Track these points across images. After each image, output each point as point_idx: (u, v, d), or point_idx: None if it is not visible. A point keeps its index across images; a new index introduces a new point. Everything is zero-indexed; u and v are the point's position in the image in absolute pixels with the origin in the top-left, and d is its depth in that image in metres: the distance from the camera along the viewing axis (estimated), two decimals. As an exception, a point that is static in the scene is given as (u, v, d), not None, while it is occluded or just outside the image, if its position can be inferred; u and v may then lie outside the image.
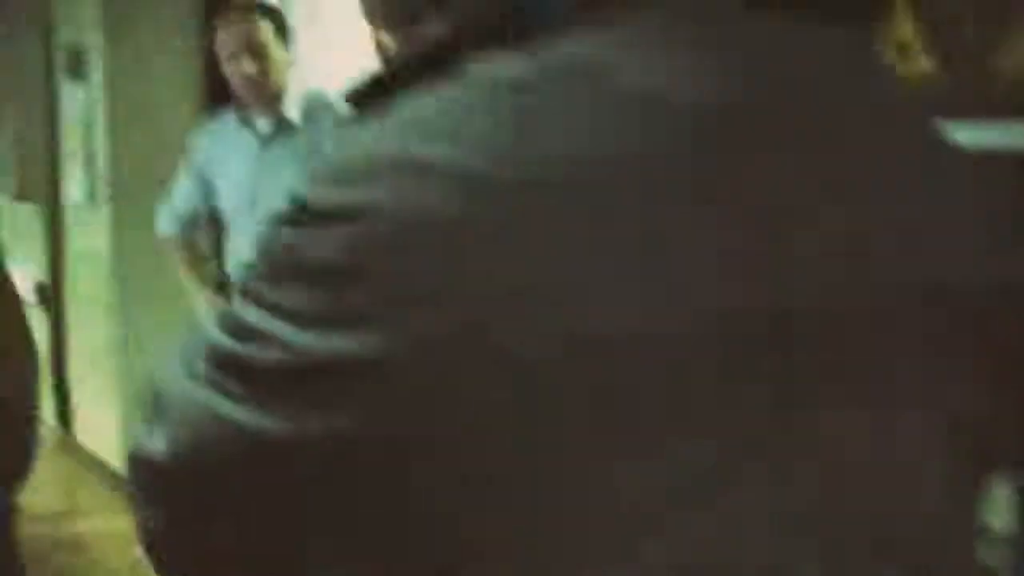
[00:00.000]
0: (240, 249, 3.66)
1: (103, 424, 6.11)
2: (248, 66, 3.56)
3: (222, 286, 3.93)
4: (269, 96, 3.62)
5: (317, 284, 0.66)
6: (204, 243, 4.08)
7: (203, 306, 3.85)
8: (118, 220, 5.75)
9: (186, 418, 0.71)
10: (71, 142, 6.29)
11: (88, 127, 5.98)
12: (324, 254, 0.66)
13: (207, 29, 5.35)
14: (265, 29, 3.60)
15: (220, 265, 3.93)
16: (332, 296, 0.65)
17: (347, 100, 0.78)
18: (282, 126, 3.63)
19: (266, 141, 3.63)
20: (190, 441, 0.70)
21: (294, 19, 3.95)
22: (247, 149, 3.68)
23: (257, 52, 3.57)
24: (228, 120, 3.79)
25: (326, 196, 0.67)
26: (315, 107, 3.64)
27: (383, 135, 0.68)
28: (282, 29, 3.66)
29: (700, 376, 0.64)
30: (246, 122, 3.64)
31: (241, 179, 3.68)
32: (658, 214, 0.65)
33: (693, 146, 0.67)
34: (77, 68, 6.07)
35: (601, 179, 0.65)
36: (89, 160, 6.03)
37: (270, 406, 0.66)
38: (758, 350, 0.65)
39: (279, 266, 0.69)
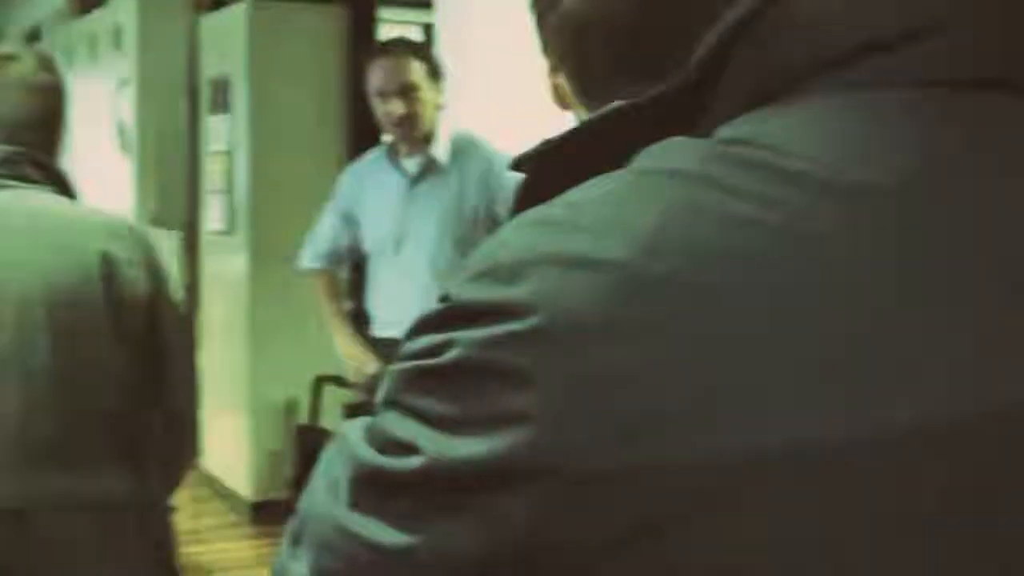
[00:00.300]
0: (381, 289, 3.62)
1: (231, 452, 6.17)
2: (398, 107, 3.52)
3: (360, 325, 3.88)
4: (418, 137, 3.58)
5: (470, 387, 0.62)
6: (344, 280, 4.10)
7: (342, 343, 3.79)
8: (255, 249, 5.84)
9: (328, 542, 0.67)
10: (212, 171, 6.40)
11: (229, 157, 6.11)
12: (477, 355, 0.62)
13: (352, 63, 5.76)
14: (417, 69, 3.56)
15: (360, 303, 3.91)
16: (485, 400, 0.61)
17: (513, 167, 0.74)
18: (429, 167, 3.58)
19: (413, 182, 3.60)
20: (333, 568, 0.66)
21: (443, 58, 3.94)
22: (393, 189, 3.64)
23: (408, 93, 3.53)
24: (376, 159, 3.75)
25: (476, 293, 0.64)
26: (463, 148, 3.60)
27: (539, 225, 0.64)
28: (435, 70, 3.61)
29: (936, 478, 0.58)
30: (393, 162, 3.61)
31: (386, 219, 3.64)
32: (864, 313, 0.58)
33: (898, 237, 0.60)
34: (220, 99, 6.20)
35: (784, 279, 0.58)
36: (228, 189, 6.15)
37: (422, 522, 0.62)
38: (989, 453, 0.58)
39: (426, 370, 0.64)
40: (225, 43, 6.19)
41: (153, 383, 2.40)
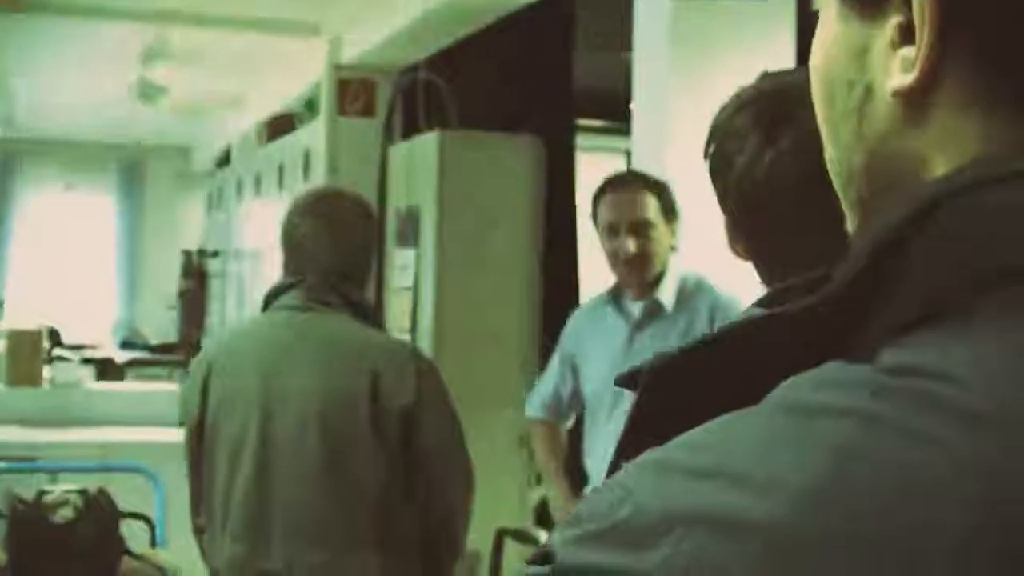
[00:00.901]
0: (598, 444, 3.51)
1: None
2: (629, 245, 3.38)
3: (576, 482, 3.79)
4: (648, 279, 3.44)
5: None
6: (565, 432, 3.98)
7: (558, 502, 3.74)
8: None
9: None
10: (397, 308, 6.33)
11: (414, 293, 6.06)
12: None
13: (546, 197, 5.73)
14: (652, 205, 3.42)
15: (578, 458, 3.77)
16: None
17: (623, 383, 0.71)
18: (654, 311, 3.44)
19: (636, 328, 3.46)
20: None
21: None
22: (616, 335, 3.52)
23: (641, 231, 3.39)
24: (600, 301, 3.63)
25: (591, 557, 0.59)
26: (691, 291, 3.45)
27: (673, 473, 0.59)
28: (670, 208, 3.46)
29: None
30: (617, 305, 3.48)
31: (605, 368, 3.51)
32: None
33: None
34: (408, 231, 6.21)
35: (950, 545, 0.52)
36: (413, 327, 6.07)
37: None
38: None
39: None
40: (415, 173, 6.22)
41: (407, 483, 2.83)
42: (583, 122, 6.53)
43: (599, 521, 0.59)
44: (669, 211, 3.42)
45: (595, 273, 9.01)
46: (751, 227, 1.31)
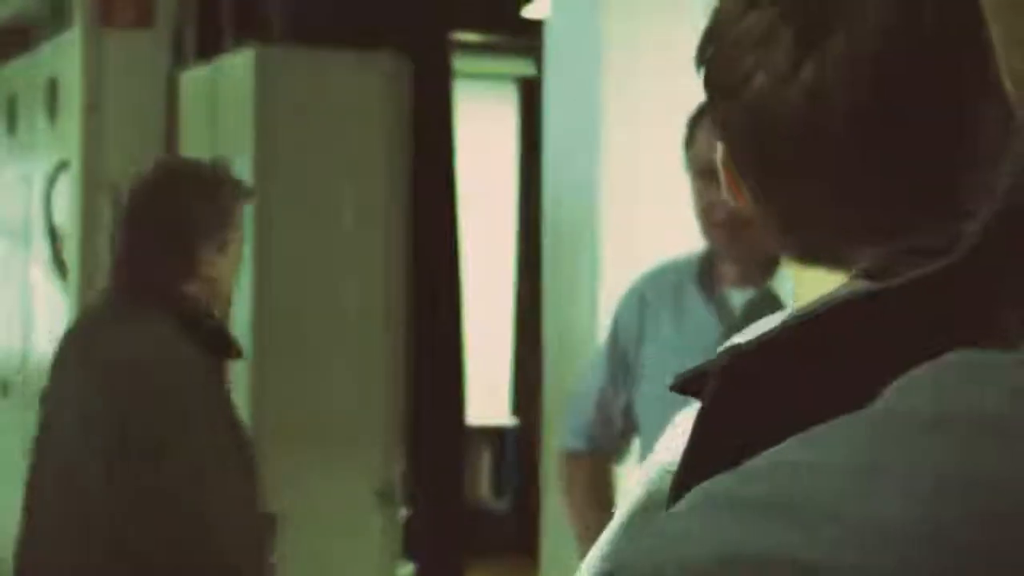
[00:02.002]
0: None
1: None
2: (729, 200, 2.64)
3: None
4: (758, 256, 3.10)
5: None
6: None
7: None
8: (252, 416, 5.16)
9: None
10: None
11: None
12: None
13: (416, 136, 5.47)
14: None
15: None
16: None
17: (679, 387, 0.76)
18: (763, 306, 3.00)
19: (733, 328, 2.87)
20: None
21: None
22: (700, 330, 3.20)
23: None
24: (683, 274, 3.33)
25: None
26: None
27: (743, 510, 0.50)
28: None
29: None
30: (706, 287, 3.21)
31: (674, 372, 2.61)
32: None
33: None
34: None
35: None
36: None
37: None
38: None
39: None
40: (221, 108, 5.67)
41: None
42: (461, 37, 6.43)
43: (642, 568, 0.53)
44: None
45: (481, 242, 8.43)
46: (766, 175, 1.15)
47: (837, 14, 1.10)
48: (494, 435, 8.10)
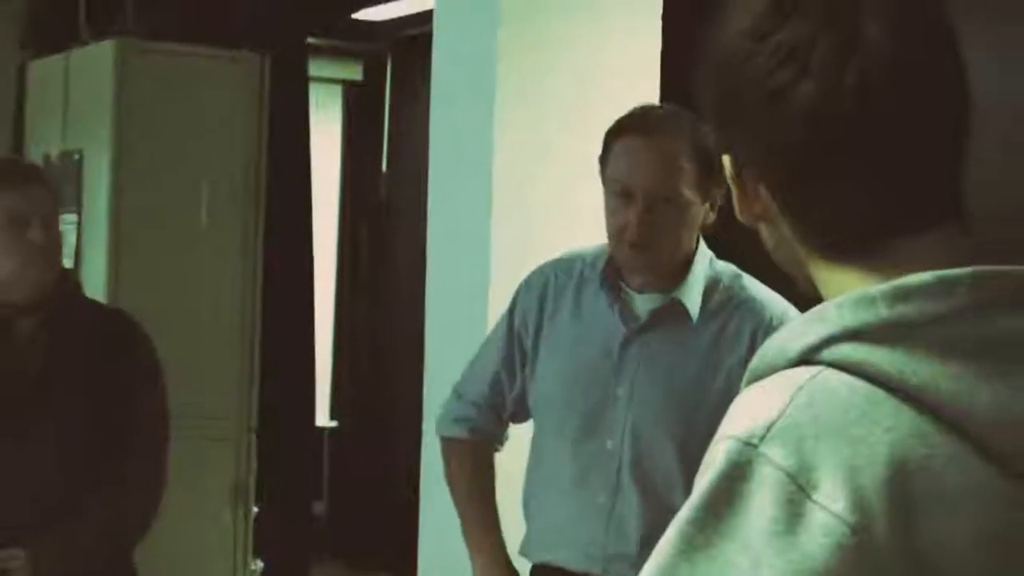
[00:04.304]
0: (548, 487, 3.10)
1: None
2: (641, 217, 3.05)
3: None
4: (663, 266, 3.12)
5: None
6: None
7: (479, 563, 3.21)
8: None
9: None
10: None
11: (78, 271, 5.33)
12: None
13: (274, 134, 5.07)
14: (687, 168, 3.00)
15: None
16: None
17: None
18: (669, 315, 3.14)
19: (638, 331, 3.11)
20: None
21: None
22: (605, 332, 3.17)
23: (658, 196, 3.00)
24: (585, 274, 3.25)
25: None
26: (724, 294, 3.10)
27: None
28: (710, 165, 2.95)
29: None
30: (612, 292, 3.13)
31: (578, 370, 3.21)
32: None
33: None
34: (67, 188, 5.45)
35: None
36: None
37: None
38: None
39: None
40: (75, 101, 5.60)
41: None
42: (313, 41, 6.49)
43: None
44: (710, 177, 2.95)
45: (327, 253, 8.17)
46: (808, 180, 1.13)
47: (870, 16, 1.12)
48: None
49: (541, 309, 3.20)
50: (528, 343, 3.20)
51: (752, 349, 2.90)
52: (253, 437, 5.06)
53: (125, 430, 3.08)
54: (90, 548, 3.04)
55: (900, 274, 1.03)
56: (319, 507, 7.85)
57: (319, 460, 7.83)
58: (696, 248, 3.05)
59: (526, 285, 3.26)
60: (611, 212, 2.98)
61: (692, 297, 3.04)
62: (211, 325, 5.18)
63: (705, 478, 1.02)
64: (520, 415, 3.25)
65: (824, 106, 1.10)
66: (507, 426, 3.28)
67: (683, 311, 3.03)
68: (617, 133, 3.00)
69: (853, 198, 1.12)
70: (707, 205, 3.00)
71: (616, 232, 2.97)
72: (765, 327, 2.96)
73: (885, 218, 1.10)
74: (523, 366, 3.20)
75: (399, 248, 6.99)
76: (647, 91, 3.69)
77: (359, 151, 7.97)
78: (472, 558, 3.24)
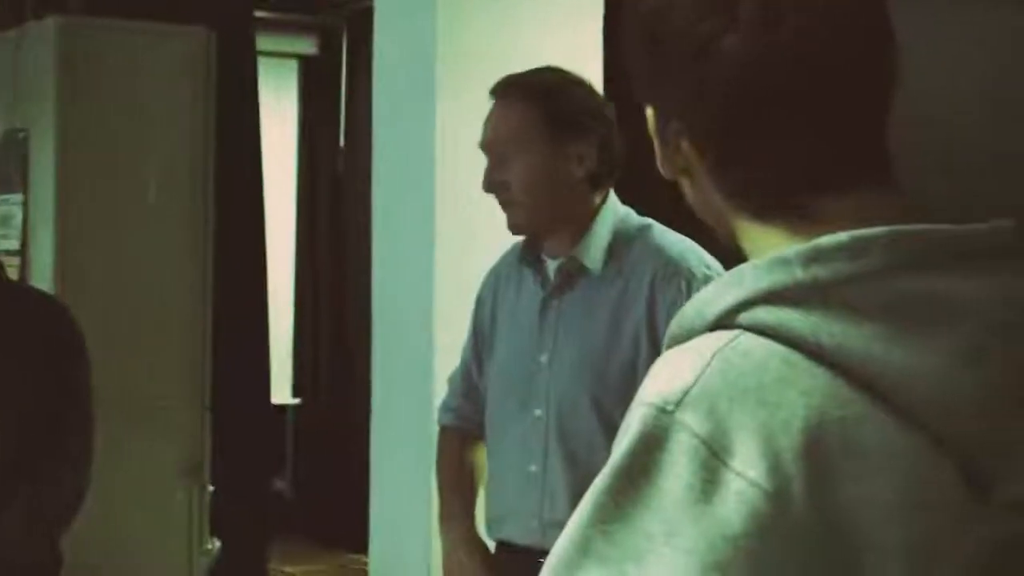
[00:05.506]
0: (497, 466, 3.17)
1: None
2: (489, 173, 3.16)
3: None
4: (523, 227, 3.20)
5: None
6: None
7: (448, 547, 3.20)
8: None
9: None
10: None
11: (24, 255, 5.44)
12: None
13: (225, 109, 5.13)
14: (528, 118, 3.07)
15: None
16: None
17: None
18: (572, 274, 3.15)
19: (551, 294, 3.16)
20: None
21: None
22: (526, 306, 3.25)
23: (498, 151, 3.10)
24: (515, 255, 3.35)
25: None
26: (630, 244, 3.11)
27: None
28: (566, 118, 3.06)
29: None
30: (531, 262, 3.23)
31: (514, 344, 3.25)
32: None
33: None
34: (11, 170, 5.50)
35: None
36: None
37: None
38: None
39: None
40: (17, 80, 5.51)
41: None
42: (266, 15, 6.47)
43: None
44: (564, 128, 3.02)
45: (285, 230, 8.05)
46: (735, 134, 1.12)
47: None
48: (276, 414, 7.87)
49: (495, 297, 3.26)
50: (486, 332, 3.26)
51: (651, 299, 2.98)
52: (207, 415, 5.00)
53: (61, 407, 3.07)
54: (26, 526, 3.04)
55: (821, 234, 1.02)
56: (282, 485, 7.85)
57: (281, 438, 7.82)
58: (601, 204, 3.06)
59: (485, 279, 3.32)
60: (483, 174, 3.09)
61: (592, 253, 3.05)
62: (162, 304, 5.13)
63: (620, 445, 1.00)
64: None
65: (748, 61, 1.09)
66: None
67: (586, 269, 3.06)
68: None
69: (776, 156, 1.10)
70: (571, 157, 3.01)
71: (487, 191, 3.06)
72: (661, 272, 2.97)
73: (808, 177, 1.08)
74: (488, 354, 3.27)
75: (358, 223, 6.92)
76: (590, 53, 3.70)
77: (316, 126, 7.85)
78: (442, 541, 3.26)
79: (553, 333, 3.10)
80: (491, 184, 3.09)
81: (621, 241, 3.07)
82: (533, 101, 3.05)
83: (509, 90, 3.09)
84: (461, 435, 3.36)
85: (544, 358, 3.06)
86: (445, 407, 3.40)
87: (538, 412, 3.04)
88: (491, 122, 3.10)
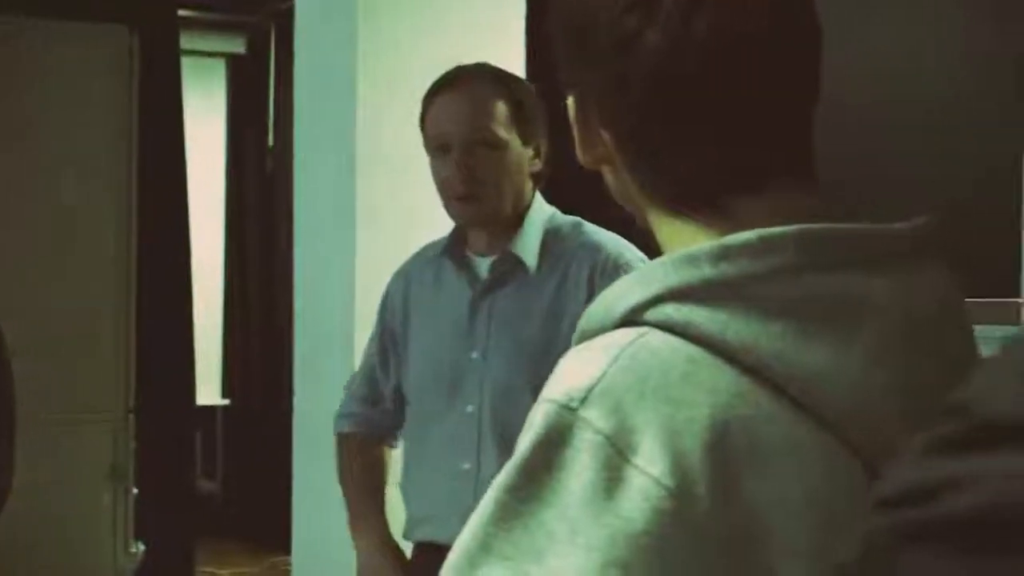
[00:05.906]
0: (420, 464, 3.07)
1: None
2: (459, 171, 2.99)
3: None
4: (491, 220, 3.05)
5: None
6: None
7: (362, 548, 3.14)
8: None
9: None
10: None
11: None
12: None
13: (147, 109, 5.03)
14: (501, 112, 2.96)
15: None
16: None
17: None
18: (508, 271, 3.06)
19: (483, 292, 3.07)
20: None
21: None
22: (456, 302, 3.14)
23: (477, 149, 2.95)
24: (433, 255, 3.23)
25: None
26: (564, 241, 3.05)
27: None
28: (527, 114, 2.97)
29: None
30: (458, 260, 3.14)
31: (438, 347, 3.15)
32: None
33: None
34: None
35: None
36: None
37: None
38: None
39: None
40: None
41: None
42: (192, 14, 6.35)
43: None
44: (527, 121, 2.96)
45: (214, 231, 7.93)
46: (654, 127, 1.11)
47: None
48: (205, 416, 7.77)
49: (405, 299, 3.19)
50: (398, 333, 3.19)
51: (591, 292, 2.89)
52: (131, 418, 4.94)
53: None
54: None
55: (734, 231, 1.01)
56: (212, 487, 7.75)
57: (210, 439, 7.71)
58: (532, 201, 3.02)
59: (392, 280, 3.25)
60: (435, 172, 2.98)
61: (528, 249, 3.02)
62: (85, 307, 5.05)
63: (523, 442, 0.99)
64: (402, 411, 3.24)
65: (668, 58, 1.08)
66: (399, 420, 3.25)
67: (522, 266, 3.02)
68: (431, 95, 3.00)
69: (692, 153, 1.09)
70: (530, 151, 2.97)
71: (442, 189, 2.97)
72: (600, 268, 2.93)
73: (721, 173, 1.08)
74: (396, 358, 3.20)
75: (288, 222, 6.82)
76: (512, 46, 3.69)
77: (244, 126, 7.72)
78: (356, 546, 3.20)
79: (486, 329, 3.04)
80: (465, 178, 2.96)
81: (553, 237, 3.02)
82: (502, 90, 2.98)
83: (471, 80, 3.00)
84: (362, 441, 3.30)
85: (476, 354, 3.01)
86: (342, 415, 3.32)
87: (470, 408, 2.99)
88: (454, 114, 2.97)
